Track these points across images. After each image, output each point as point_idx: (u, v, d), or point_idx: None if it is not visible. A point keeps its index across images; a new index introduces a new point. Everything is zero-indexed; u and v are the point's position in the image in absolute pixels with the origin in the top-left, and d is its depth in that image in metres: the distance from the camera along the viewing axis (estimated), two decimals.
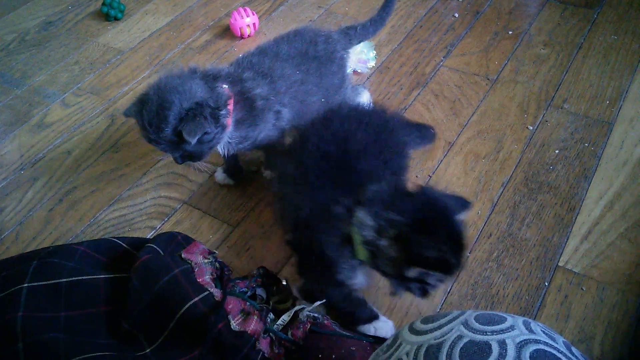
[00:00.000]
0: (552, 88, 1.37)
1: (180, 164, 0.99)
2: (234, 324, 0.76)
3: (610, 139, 1.23)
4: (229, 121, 0.98)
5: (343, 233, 0.82)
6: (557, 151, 1.22)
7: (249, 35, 1.61)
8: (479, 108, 1.33)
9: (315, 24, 1.65)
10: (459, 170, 1.20)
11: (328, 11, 1.70)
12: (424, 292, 0.80)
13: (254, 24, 1.60)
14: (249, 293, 0.93)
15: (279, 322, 0.83)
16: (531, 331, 0.57)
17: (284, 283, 0.95)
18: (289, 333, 0.82)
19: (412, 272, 0.77)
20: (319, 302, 0.84)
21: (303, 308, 0.85)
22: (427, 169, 1.21)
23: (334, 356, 0.84)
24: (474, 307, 0.97)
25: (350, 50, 1.23)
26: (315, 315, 0.84)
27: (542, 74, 1.41)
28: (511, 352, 0.53)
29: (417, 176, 1.19)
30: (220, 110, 0.94)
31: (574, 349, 0.57)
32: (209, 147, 0.96)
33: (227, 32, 1.64)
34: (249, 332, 0.77)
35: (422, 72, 1.45)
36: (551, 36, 1.52)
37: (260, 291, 0.95)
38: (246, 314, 0.80)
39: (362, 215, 0.79)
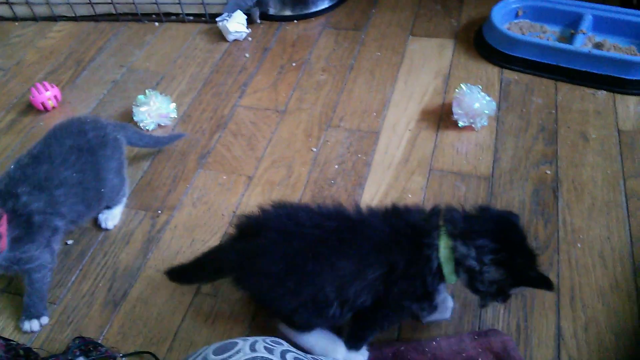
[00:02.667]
0: (330, 110, 1.59)
1: None
2: None
3: (377, 147, 1.47)
4: (4, 242, 1.00)
5: (435, 268, 0.92)
6: (336, 166, 1.43)
7: (53, 108, 1.66)
8: (272, 140, 1.51)
9: (119, 85, 1.73)
10: (258, 201, 1.36)
11: (130, 69, 1.79)
12: (506, 299, 0.95)
13: (55, 96, 1.65)
14: None
15: None
16: (254, 350, 0.73)
17: (103, 348, 1.05)
18: None
19: (515, 290, 0.93)
20: None
21: None
22: (231, 205, 1.36)
23: None
24: None
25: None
26: None
27: (322, 99, 1.62)
28: None
29: (222, 214, 1.34)
30: None
31: (288, 355, 0.74)
32: None
33: (32, 108, 1.67)
34: None
35: (221, 114, 1.60)
36: (328, 61, 1.75)
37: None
38: None
39: (463, 248, 0.90)
